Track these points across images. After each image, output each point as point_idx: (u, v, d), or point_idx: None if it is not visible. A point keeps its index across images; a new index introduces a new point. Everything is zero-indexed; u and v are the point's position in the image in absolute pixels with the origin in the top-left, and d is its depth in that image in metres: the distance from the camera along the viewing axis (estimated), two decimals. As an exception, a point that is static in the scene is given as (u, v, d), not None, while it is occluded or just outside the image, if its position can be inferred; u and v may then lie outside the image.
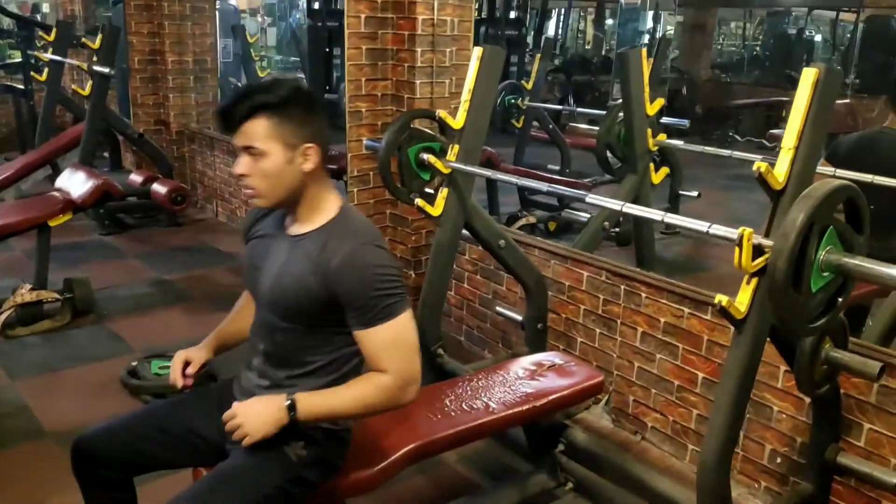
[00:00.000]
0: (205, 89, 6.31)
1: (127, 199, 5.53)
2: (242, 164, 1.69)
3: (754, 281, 1.84)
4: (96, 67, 5.15)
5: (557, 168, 6.89)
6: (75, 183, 3.93)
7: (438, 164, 2.74)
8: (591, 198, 2.31)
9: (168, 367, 3.21)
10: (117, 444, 1.86)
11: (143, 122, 6.23)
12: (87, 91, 5.28)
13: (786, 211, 1.79)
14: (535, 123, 6.77)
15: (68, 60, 6.20)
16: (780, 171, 1.83)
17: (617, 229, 4.86)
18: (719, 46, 13.60)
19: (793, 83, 8.49)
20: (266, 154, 1.66)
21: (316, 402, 1.71)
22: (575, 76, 11.52)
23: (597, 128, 4.13)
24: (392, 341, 1.68)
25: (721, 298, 1.81)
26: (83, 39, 6.02)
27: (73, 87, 6.32)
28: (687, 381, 2.76)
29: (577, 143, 7.34)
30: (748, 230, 1.79)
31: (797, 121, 1.82)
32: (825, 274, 1.69)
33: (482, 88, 2.76)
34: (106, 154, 6.85)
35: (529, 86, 6.58)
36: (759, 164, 1.78)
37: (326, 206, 1.77)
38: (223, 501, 1.67)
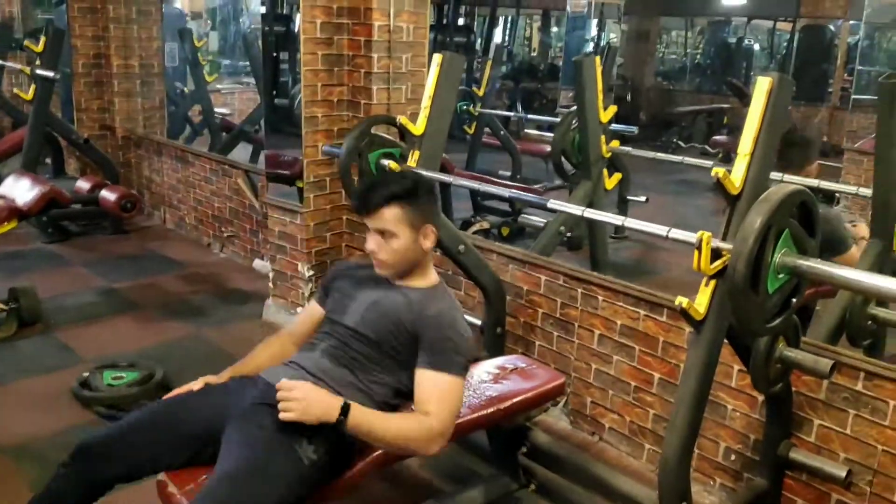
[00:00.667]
0: (151, 94, 6.21)
1: (71, 207, 5.40)
2: (374, 242, 2.02)
3: (713, 283, 1.90)
4: (40, 71, 5.02)
5: (508, 174, 6.97)
6: (20, 190, 3.82)
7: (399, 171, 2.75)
8: (553, 203, 2.35)
9: (121, 378, 3.19)
10: (122, 443, 1.93)
11: (88, 127, 6.08)
12: (29, 95, 5.14)
13: (742, 215, 1.85)
14: (487, 129, 6.83)
15: (8, 64, 6.02)
16: (737, 177, 1.89)
17: (569, 234, 4.94)
18: (662, 55, 13.92)
19: (734, 90, 8.80)
20: (396, 235, 1.99)
21: (366, 417, 1.85)
22: (523, 83, 11.65)
23: (551, 134, 4.19)
24: (447, 392, 1.91)
25: (681, 300, 1.86)
26: (26, 42, 5.87)
27: (16, 90, 6.13)
28: (643, 382, 2.82)
29: (528, 149, 7.43)
30: (707, 234, 1.84)
31: (753, 127, 1.88)
32: (780, 276, 1.76)
33: (442, 94, 2.78)
34: (48, 160, 6.66)
35: (481, 92, 6.64)
36: (717, 170, 1.83)
37: (429, 274, 2.12)
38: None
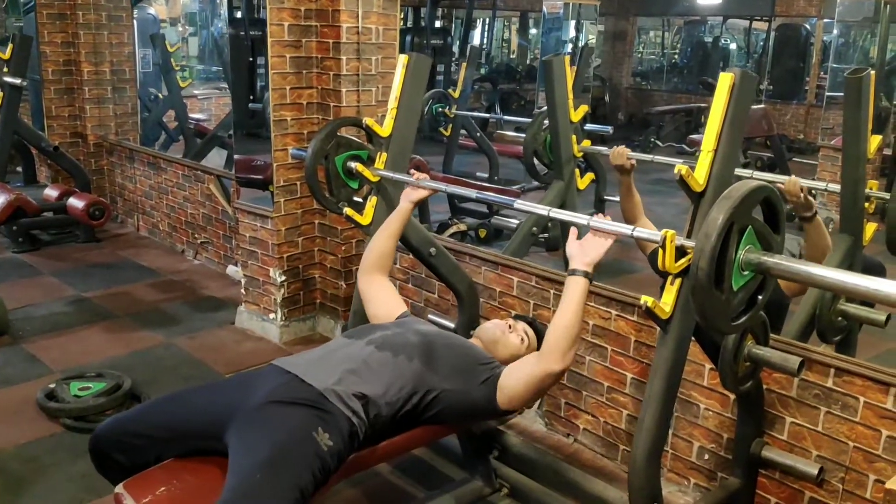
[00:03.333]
0: (123, 100, 6.12)
1: (42, 215, 5.33)
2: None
3: (678, 282, 1.88)
4: (7, 79, 4.95)
5: (486, 175, 6.96)
6: (-15, 198, 3.76)
7: (366, 173, 2.72)
8: (519, 203, 2.33)
9: (88, 389, 3.13)
10: (128, 430, 1.98)
11: (59, 134, 5.98)
12: (-4, 103, 5.06)
13: (706, 212, 1.83)
14: (463, 131, 6.82)
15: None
16: (701, 174, 1.88)
17: (546, 235, 4.92)
18: (640, 55, 13.98)
19: (710, 89, 8.79)
20: None
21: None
22: (501, 85, 11.67)
23: (524, 135, 4.17)
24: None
25: (646, 299, 1.84)
26: (-9, 48, 5.77)
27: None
28: (616, 382, 2.81)
29: (504, 150, 7.42)
30: (671, 232, 1.83)
31: (715, 124, 1.87)
32: (745, 273, 1.74)
33: (409, 96, 2.75)
34: (19, 168, 6.57)
35: (457, 94, 6.63)
36: (680, 168, 1.82)
37: None
38: (276, 492, 1.71)
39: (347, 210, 2.71)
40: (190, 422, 1.95)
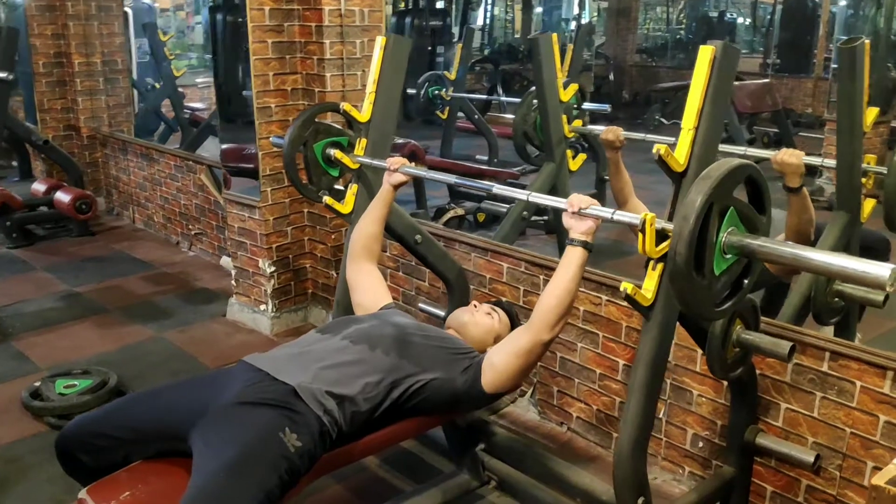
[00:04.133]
0: (116, 91, 6.06)
1: (37, 210, 5.29)
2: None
3: (660, 266, 1.80)
4: (-6, 72, 4.88)
5: (486, 158, 6.86)
6: (-31, 195, 3.70)
7: (346, 160, 2.64)
8: (498, 188, 2.24)
9: (73, 386, 3.09)
10: (91, 430, 1.93)
11: (52, 127, 5.93)
12: (-16, 97, 5.00)
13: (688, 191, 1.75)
14: (461, 114, 6.71)
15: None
16: (681, 153, 1.79)
17: (545, 217, 4.83)
18: (644, 31, 13.77)
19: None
20: None
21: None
22: (503, 65, 11.51)
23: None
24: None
25: (626, 286, 1.76)
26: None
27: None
28: (608, 369, 2.73)
29: (504, 132, 7.31)
30: (650, 215, 1.74)
31: (696, 101, 1.78)
32: (728, 256, 1.65)
33: (388, 79, 2.66)
34: (15, 163, 6.53)
35: (453, 76, 6.51)
36: (659, 147, 1.73)
37: None
38: (240, 495, 1.65)
39: (327, 199, 2.64)
40: (154, 422, 1.89)
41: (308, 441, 1.79)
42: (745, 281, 1.74)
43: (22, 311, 4.07)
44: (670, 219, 1.80)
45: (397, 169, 2.41)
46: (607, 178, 5.69)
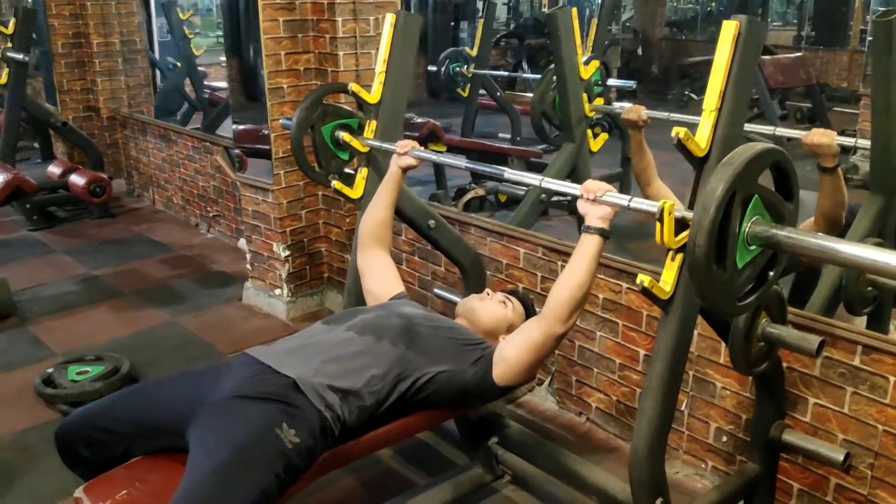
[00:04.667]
0: (135, 71, 6.01)
1: (57, 192, 5.27)
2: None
3: (679, 257, 1.70)
4: (11, 54, 4.85)
5: (508, 136, 6.73)
6: (-16, 179, 3.68)
7: (355, 143, 2.55)
8: (510, 173, 2.14)
9: (86, 373, 3.06)
10: (91, 424, 1.88)
11: (72, 108, 5.91)
12: (2, 80, 4.97)
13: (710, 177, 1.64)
14: (484, 91, 6.57)
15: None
16: (702, 137, 1.68)
17: (569, 198, 4.71)
18: (674, 4, 13.43)
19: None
20: None
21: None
22: (528, 40, 11.29)
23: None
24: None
25: (643, 278, 1.66)
26: (-6, 24, 5.69)
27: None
28: (628, 359, 2.63)
29: (526, 110, 7.17)
30: (669, 203, 1.64)
31: (718, 80, 1.66)
32: (752, 247, 1.55)
33: (398, 58, 2.56)
34: (36, 144, 6.53)
35: (474, 52, 6.36)
36: (678, 130, 1.62)
37: None
38: (234, 495, 1.59)
39: (336, 183, 2.56)
40: (154, 416, 1.84)
41: (307, 437, 1.73)
42: (771, 273, 1.63)
43: (40, 294, 4.06)
44: (691, 206, 1.69)
45: (407, 152, 2.32)
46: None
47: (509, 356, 1.97)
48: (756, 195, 1.52)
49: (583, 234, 1.87)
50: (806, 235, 1.53)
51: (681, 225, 1.65)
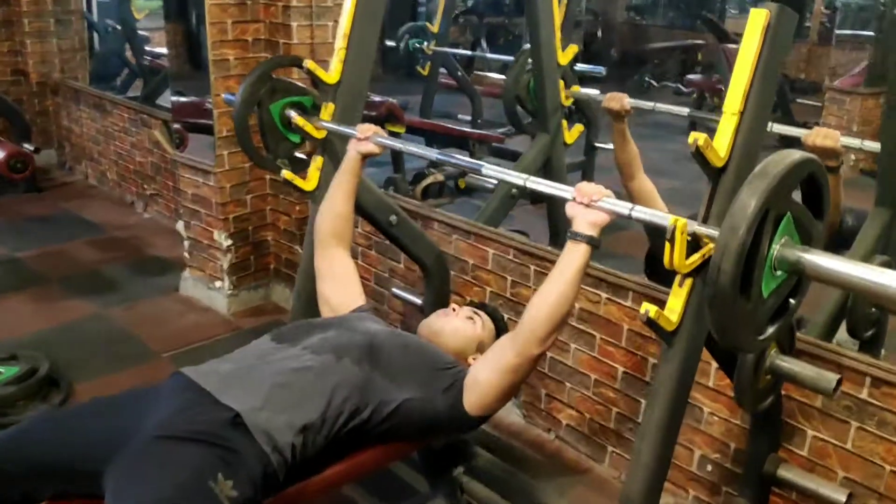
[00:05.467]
0: (69, 34, 5.53)
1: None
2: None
3: (688, 283, 1.46)
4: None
5: (469, 118, 6.45)
6: None
7: (308, 127, 2.25)
8: (489, 169, 1.87)
9: None
10: None
11: (-2, 72, 5.44)
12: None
13: (729, 193, 1.41)
14: (444, 70, 6.27)
15: None
16: (722, 144, 1.43)
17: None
18: (635, -13, 13.25)
19: (709, 26, 8.13)
20: None
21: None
22: (487, 18, 10.98)
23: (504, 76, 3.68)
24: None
25: (648, 308, 1.42)
26: None
27: None
28: (605, 375, 2.41)
29: (489, 91, 6.89)
30: (682, 220, 1.40)
31: (743, 78, 1.41)
32: (778, 273, 1.32)
33: (361, 34, 2.27)
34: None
35: (435, 28, 6.04)
36: (697, 136, 1.37)
37: None
38: None
39: (286, 173, 2.25)
40: (64, 455, 1.52)
41: (247, 488, 1.45)
42: (792, 301, 1.41)
43: (-49, 278, 3.67)
44: (703, 221, 1.46)
45: (368, 137, 2.03)
46: (598, 144, 5.36)
47: (482, 380, 1.71)
48: (789, 213, 1.29)
49: (568, 241, 1.61)
50: (841, 261, 1.30)
51: (691, 245, 1.42)
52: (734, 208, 1.23)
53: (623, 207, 1.56)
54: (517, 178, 1.83)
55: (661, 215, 1.47)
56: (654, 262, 2.47)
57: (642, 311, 1.41)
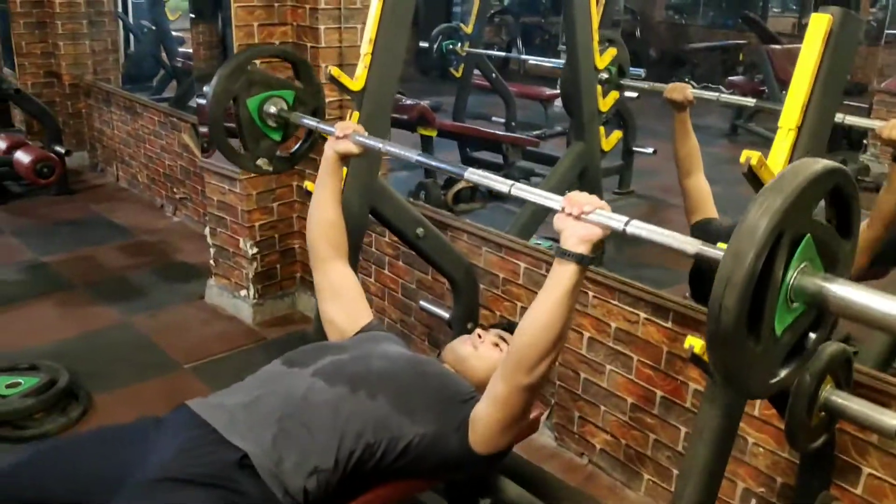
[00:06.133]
0: (101, 35, 5.54)
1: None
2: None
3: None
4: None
5: (503, 120, 6.34)
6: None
7: (292, 118, 2.10)
8: (470, 174, 1.67)
9: (17, 385, 2.66)
10: None
11: (31, 74, 5.44)
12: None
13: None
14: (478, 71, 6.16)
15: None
16: (777, 162, 1.30)
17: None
18: (675, -15, 13.00)
19: (751, 25, 7.86)
20: None
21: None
22: (523, 18, 10.84)
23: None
24: None
25: (692, 343, 1.29)
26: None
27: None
28: (642, 400, 2.28)
29: (523, 92, 6.77)
30: (706, 248, 1.26)
31: (801, 90, 1.28)
32: (795, 305, 1.09)
33: (388, 38, 2.16)
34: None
35: (469, 29, 5.93)
36: (749, 154, 1.24)
37: None
38: None
39: (308, 184, 2.14)
40: (61, 492, 1.44)
41: None
42: (813, 337, 1.17)
43: (-21, 283, 3.65)
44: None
45: (347, 135, 1.86)
46: (636, 148, 5.20)
47: (481, 415, 1.55)
48: (809, 234, 1.07)
49: (555, 259, 1.40)
50: (876, 295, 1.07)
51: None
52: (741, 231, 1.00)
53: (618, 221, 1.31)
54: (501, 185, 1.64)
55: (684, 239, 1.24)
56: (700, 283, 2.33)
57: (686, 345, 1.29)
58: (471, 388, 1.69)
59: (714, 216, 2.50)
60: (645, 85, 3.00)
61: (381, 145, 1.84)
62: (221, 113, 2.06)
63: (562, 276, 1.38)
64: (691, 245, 1.19)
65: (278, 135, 2.14)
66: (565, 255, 1.36)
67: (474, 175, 1.62)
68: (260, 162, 2.13)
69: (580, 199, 1.36)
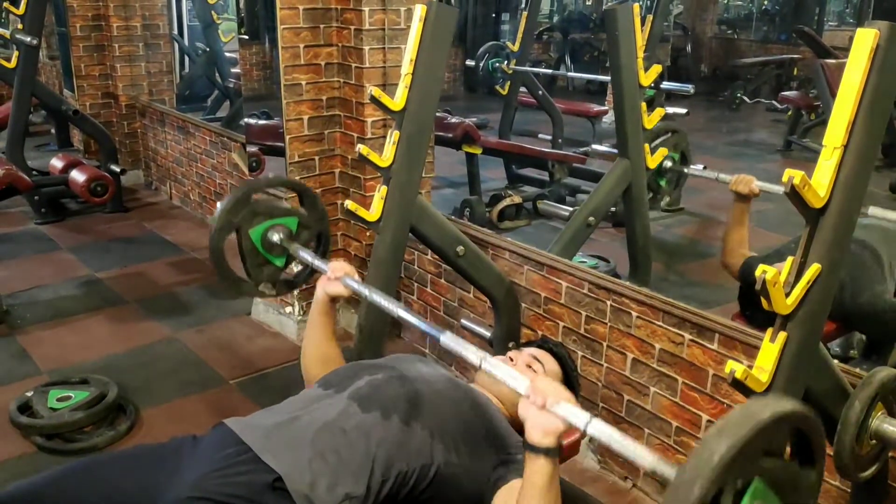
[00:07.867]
0: (157, 57, 5.70)
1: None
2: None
3: (781, 338, 1.29)
4: (20, 36, 4.54)
5: (549, 138, 6.31)
6: (-25, 174, 3.37)
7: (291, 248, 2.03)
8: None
9: (67, 399, 2.73)
10: None
11: (90, 95, 5.63)
12: (12, 63, 4.67)
13: (829, 236, 1.23)
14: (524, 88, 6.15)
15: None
16: (821, 182, 1.26)
17: (613, 209, 4.29)
18: (727, 0, 12.85)
19: (805, 39, 7.67)
20: None
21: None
22: (572, 34, 10.82)
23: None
24: None
25: (734, 367, 1.26)
26: (5, 3, 5.38)
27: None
28: (687, 423, 2.22)
29: (570, 109, 6.74)
30: (772, 270, 1.23)
31: (847, 108, 1.24)
32: None
33: (428, 58, 2.18)
34: (53, 131, 6.26)
35: (515, 47, 5.93)
36: (793, 174, 1.21)
37: None
38: None
39: (350, 203, 2.18)
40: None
41: None
42: None
43: (36, 298, 3.75)
44: (802, 267, 1.28)
45: (339, 278, 1.83)
46: (690, 171, 5.14)
47: None
48: (755, 479, 0.96)
49: (526, 453, 1.33)
50: None
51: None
52: (680, 482, 0.89)
53: (580, 419, 1.21)
54: (474, 356, 1.44)
55: (620, 440, 1.13)
56: (749, 305, 2.29)
57: (728, 370, 1.26)
58: (506, 426, 1.66)
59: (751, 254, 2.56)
60: (711, 175, 2.97)
61: (366, 291, 1.76)
62: (223, 245, 2.01)
63: (533, 473, 1.32)
64: (647, 460, 1.10)
65: (281, 261, 2.08)
66: (532, 449, 1.31)
67: (450, 342, 1.49)
68: (263, 287, 2.09)
69: (545, 389, 1.30)
